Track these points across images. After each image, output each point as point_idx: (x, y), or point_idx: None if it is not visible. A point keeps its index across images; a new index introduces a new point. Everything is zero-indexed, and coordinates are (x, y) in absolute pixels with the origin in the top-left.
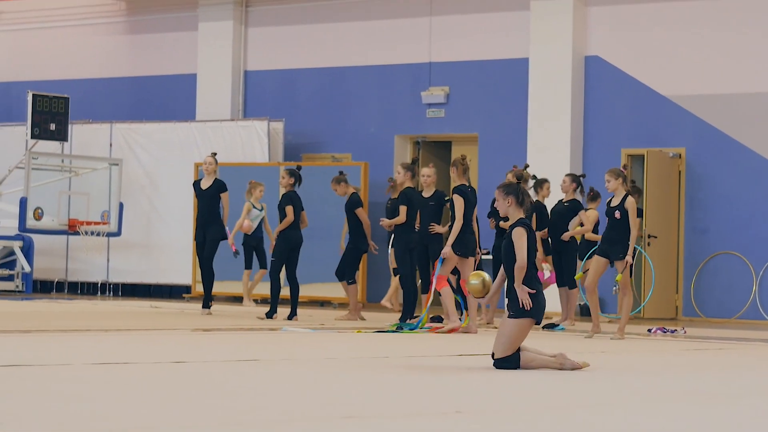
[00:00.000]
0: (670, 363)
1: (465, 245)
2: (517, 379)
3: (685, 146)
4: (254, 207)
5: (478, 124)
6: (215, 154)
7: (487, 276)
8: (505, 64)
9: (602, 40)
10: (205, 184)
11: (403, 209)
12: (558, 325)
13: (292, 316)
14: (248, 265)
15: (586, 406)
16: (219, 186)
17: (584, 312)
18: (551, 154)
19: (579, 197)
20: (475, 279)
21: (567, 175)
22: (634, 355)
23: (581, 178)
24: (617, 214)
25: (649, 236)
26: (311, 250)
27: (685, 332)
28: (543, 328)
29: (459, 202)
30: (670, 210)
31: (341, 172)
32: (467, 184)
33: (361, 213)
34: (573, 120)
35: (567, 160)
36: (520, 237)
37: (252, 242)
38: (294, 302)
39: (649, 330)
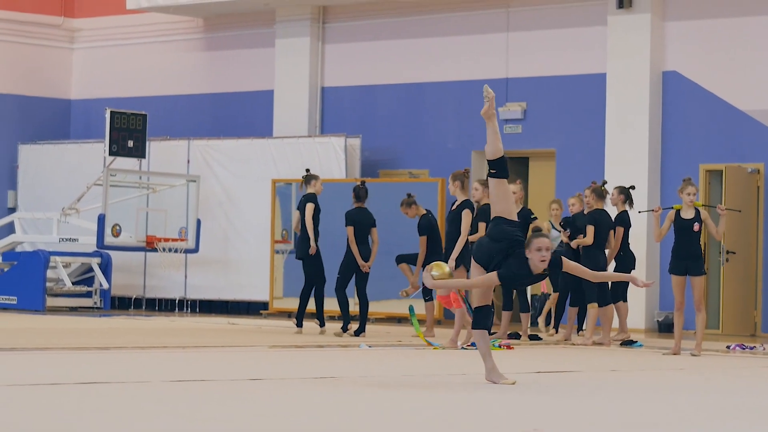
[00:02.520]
0: (748, 380)
1: (464, 257)
2: (593, 397)
3: (764, 161)
4: (553, 228)
5: (555, 140)
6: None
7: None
8: (583, 79)
9: (680, 55)
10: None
11: (482, 226)
12: (636, 341)
13: (360, 332)
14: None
15: (664, 424)
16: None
17: (662, 329)
18: (629, 170)
19: (628, 209)
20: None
21: (615, 187)
22: (713, 372)
23: (630, 190)
24: (696, 227)
25: (727, 252)
26: (390, 267)
27: (764, 349)
28: (621, 344)
29: (468, 217)
30: (749, 226)
31: (409, 195)
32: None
33: (423, 241)
34: (651, 135)
35: (645, 176)
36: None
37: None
38: (363, 318)
39: (728, 347)
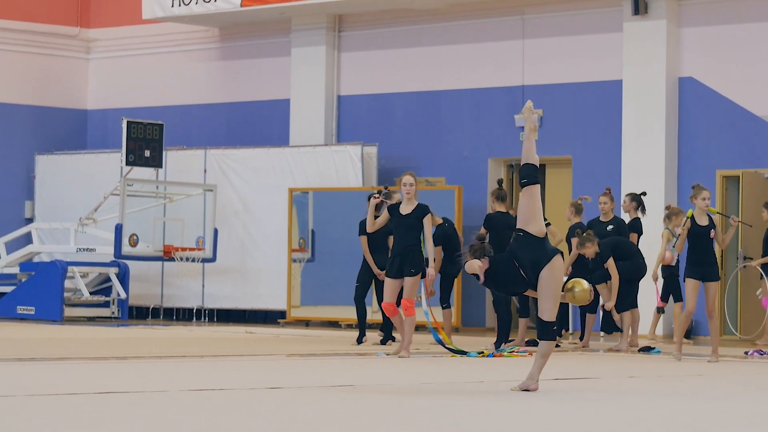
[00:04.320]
0: (764, 386)
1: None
2: (612, 404)
3: None
4: (674, 236)
5: (571, 147)
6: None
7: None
8: (599, 86)
9: (696, 62)
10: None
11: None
12: (654, 348)
13: (361, 339)
14: (678, 298)
15: (684, 431)
16: None
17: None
18: (646, 177)
19: (640, 215)
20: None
21: (627, 194)
22: (731, 378)
23: (642, 197)
24: (712, 233)
25: (744, 258)
26: None
27: None
28: (639, 351)
29: (430, 222)
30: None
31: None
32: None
33: (438, 251)
34: (667, 142)
35: (662, 183)
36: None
37: (676, 272)
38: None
39: (746, 352)
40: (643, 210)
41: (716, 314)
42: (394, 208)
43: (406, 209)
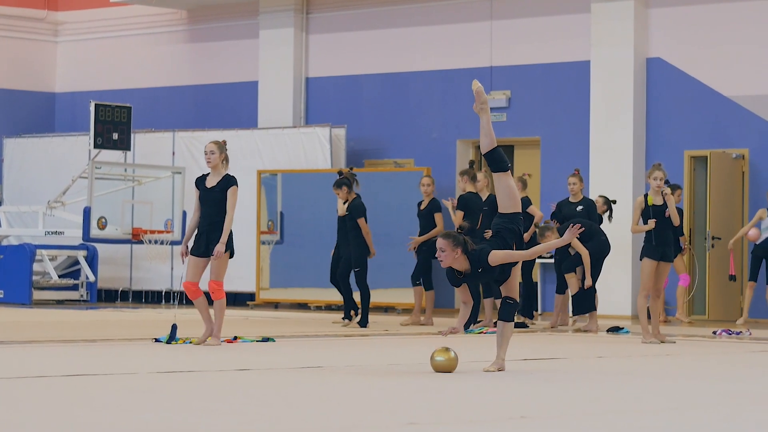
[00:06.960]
0: (735, 366)
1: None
2: (580, 383)
3: (749, 147)
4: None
5: (540, 128)
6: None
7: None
8: (567, 67)
9: (664, 42)
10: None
11: (460, 214)
12: (623, 328)
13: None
14: (753, 277)
15: (651, 410)
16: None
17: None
18: (614, 157)
19: (607, 220)
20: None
21: (600, 196)
22: (699, 357)
23: (613, 203)
24: (667, 213)
25: (713, 238)
26: (377, 257)
27: (750, 334)
28: (608, 331)
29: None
30: (734, 211)
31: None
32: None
33: (458, 215)
34: (635, 122)
35: (630, 163)
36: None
37: (759, 252)
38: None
39: (714, 332)
40: (611, 217)
41: (662, 295)
42: (200, 180)
43: (211, 182)
